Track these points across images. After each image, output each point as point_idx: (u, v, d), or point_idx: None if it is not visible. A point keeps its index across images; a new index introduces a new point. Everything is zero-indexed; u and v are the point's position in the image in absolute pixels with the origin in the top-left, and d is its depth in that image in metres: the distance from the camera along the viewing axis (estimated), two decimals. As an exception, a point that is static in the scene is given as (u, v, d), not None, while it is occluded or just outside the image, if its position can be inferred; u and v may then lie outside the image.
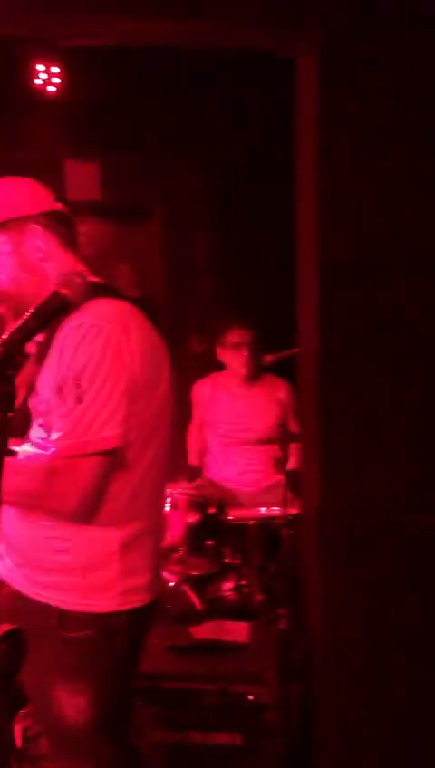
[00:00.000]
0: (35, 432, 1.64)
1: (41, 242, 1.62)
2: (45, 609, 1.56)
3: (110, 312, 1.54)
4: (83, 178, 5.00)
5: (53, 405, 1.51)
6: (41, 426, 1.61)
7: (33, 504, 1.52)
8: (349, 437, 2.14)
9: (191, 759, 2.24)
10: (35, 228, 1.62)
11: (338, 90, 2.02)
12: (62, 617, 1.56)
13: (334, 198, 2.05)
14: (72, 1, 2.02)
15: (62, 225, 1.66)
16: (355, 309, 2.09)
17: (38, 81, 4.04)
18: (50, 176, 4.78)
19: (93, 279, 1.65)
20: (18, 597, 1.61)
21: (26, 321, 1.11)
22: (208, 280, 5.06)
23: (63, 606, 1.56)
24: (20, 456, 1.66)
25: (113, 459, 1.51)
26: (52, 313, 1.12)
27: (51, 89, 4.07)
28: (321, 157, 2.05)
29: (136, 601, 1.61)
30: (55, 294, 1.14)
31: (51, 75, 4.02)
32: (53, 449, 1.51)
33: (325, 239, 2.06)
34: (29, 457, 1.62)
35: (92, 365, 1.45)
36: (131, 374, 1.51)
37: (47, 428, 1.56)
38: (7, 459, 1.46)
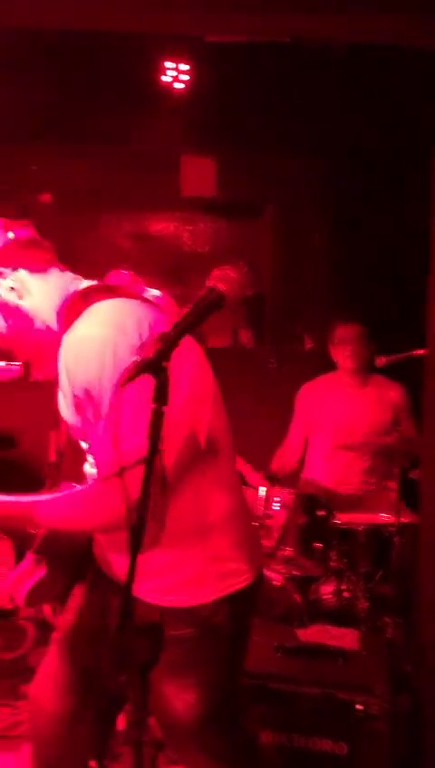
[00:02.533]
0: (89, 458, 1.62)
1: (9, 283, 1.56)
2: (148, 607, 1.55)
3: (102, 315, 1.47)
4: (198, 175, 5.05)
5: (80, 424, 1.49)
6: (88, 451, 1.60)
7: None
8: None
9: (295, 762, 2.22)
10: None
11: None
12: (164, 615, 1.55)
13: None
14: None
15: (22, 250, 1.58)
16: None
17: (166, 78, 4.09)
18: (166, 171, 4.91)
19: (87, 283, 1.61)
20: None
21: (185, 315, 1.11)
22: (318, 278, 5.02)
23: (165, 604, 1.56)
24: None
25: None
26: (208, 308, 1.12)
27: (178, 86, 4.11)
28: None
29: (233, 585, 1.59)
30: (212, 290, 1.13)
31: (179, 72, 4.05)
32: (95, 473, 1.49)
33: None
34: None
35: (97, 375, 1.38)
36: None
37: (90, 449, 1.55)
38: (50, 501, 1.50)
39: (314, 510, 3.03)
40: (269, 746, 2.21)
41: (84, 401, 1.41)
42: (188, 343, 1.47)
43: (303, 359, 4.76)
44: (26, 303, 1.56)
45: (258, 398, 4.36)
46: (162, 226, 4.97)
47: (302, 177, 4.89)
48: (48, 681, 1.80)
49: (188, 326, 1.10)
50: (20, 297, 1.56)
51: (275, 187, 5.05)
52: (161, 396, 1.08)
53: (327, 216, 4.92)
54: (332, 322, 3.83)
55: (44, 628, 3.51)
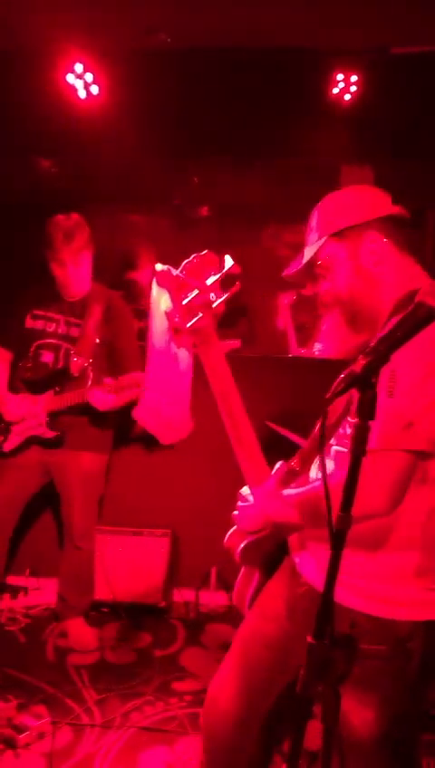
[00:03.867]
0: (342, 430, 1.62)
1: (377, 246, 1.59)
2: (341, 610, 1.52)
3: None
4: (358, 184, 5.01)
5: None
6: (348, 424, 1.58)
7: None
8: None
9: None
10: (373, 234, 1.59)
11: None
12: (355, 625, 1.52)
13: None
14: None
15: (399, 228, 1.61)
16: None
17: (335, 91, 4.11)
18: (327, 182, 4.90)
19: (429, 283, 1.58)
20: (313, 595, 1.60)
21: (393, 330, 1.11)
22: None
23: (357, 608, 1.53)
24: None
25: (415, 462, 1.41)
26: (417, 324, 1.11)
27: (346, 97, 4.12)
28: None
29: (432, 614, 1.52)
30: (421, 305, 1.12)
31: (349, 84, 4.06)
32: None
33: None
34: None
35: (410, 361, 1.36)
36: None
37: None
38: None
39: None
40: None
41: (385, 378, 1.38)
42: None
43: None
44: (377, 272, 1.59)
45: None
46: (322, 237, 4.97)
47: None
48: (225, 680, 1.83)
49: (397, 341, 1.10)
50: (375, 264, 1.59)
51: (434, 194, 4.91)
52: (367, 411, 1.08)
53: None
54: None
55: (194, 627, 3.62)
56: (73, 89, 4.28)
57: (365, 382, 1.08)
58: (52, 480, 3.37)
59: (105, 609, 3.64)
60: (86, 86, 4.26)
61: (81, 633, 3.41)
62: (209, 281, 1.61)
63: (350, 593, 1.54)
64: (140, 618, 3.60)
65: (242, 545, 1.72)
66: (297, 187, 4.78)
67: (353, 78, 4.02)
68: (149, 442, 3.71)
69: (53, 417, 3.20)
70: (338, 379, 1.10)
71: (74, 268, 3.16)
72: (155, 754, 2.63)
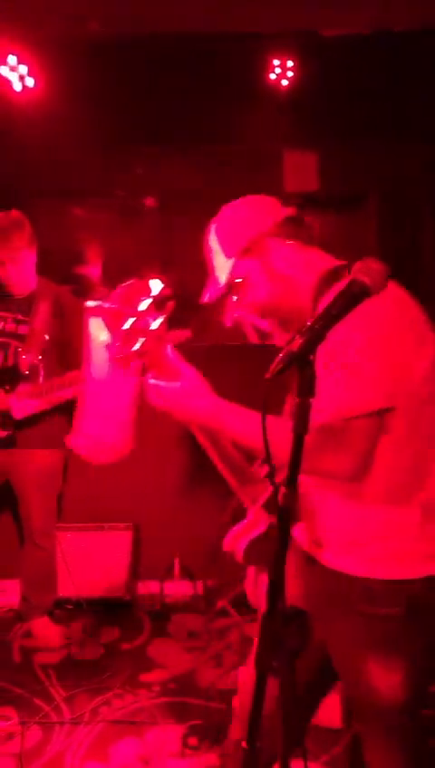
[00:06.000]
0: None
1: (283, 252, 1.65)
2: (352, 581, 1.57)
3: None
4: (301, 169, 5.04)
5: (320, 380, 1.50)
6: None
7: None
8: None
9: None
10: (274, 241, 1.65)
11: None
12: (368, 590, 1.55)
13: None
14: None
15: (295, 226, 1.68)
16: None
17: (272, 76, 4.11)
18: (269, 167, 4.92)
19: (335, 262, 1.65)
20: (327, 573, 1.63)
21: (328, 308, 1.12)
22: (426, 267, 4.90)
23: (366, 575, 1.55)
24: None
25: (380, 422, 1.47)
26: (352, 300, 1.13)
27: (284, 83, 4.13)
28: None
29: None
30: (354, 282, 1.14)
31: (285, 69, 4.06)
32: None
33: None
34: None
35: (356, 334, 1.42)
36: (391, 344, 1.47)
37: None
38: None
39: None
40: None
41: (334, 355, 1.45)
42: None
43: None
44: (292, 274, 1.65)
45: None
46: (268, 223, 4.99)
47: (404, 164, 4.80)
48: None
49: (332, 318, 1.12)
50: (289, 267, 1.65)
51: (377, 177, 4.97)
52: (307, 389, 1.09)
53: (432, 201, 4.80)
54: None
55: (159, 618, 3.63)
56: (8, 82, 4.21)
57: (303, 360, 1.10)
58: (8, 480, 3.33)
59: (70, 606, 3.62)
60: (21, 78, 4.19)
61: (46, 632, 3.39)
62: (142, 306, 1.63)
63: (355, 561, 1.58)
64: (106, 612, 3.60)
65: (244, 546, 1.72)
66: (241, 174, 4.79)
67: (290, 63, 4.04)
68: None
69: (4, 416, 3.16)
70: (276, 359, 1.11)
71: (15, 267, 3.12)
72: (125, 746, 2.64)
